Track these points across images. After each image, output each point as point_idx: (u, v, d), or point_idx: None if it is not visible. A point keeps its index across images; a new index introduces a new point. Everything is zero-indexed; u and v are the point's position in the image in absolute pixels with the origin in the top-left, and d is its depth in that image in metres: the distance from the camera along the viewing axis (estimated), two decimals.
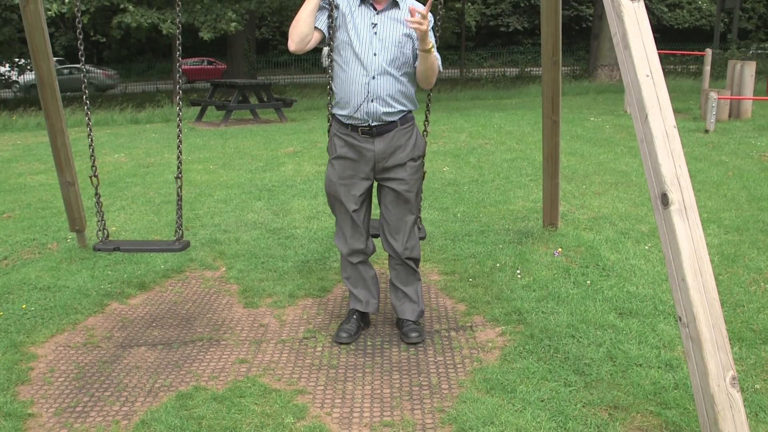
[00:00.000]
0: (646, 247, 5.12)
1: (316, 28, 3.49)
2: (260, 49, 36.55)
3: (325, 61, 3.48)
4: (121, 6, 18.72)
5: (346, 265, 3.88)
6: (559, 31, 4.55)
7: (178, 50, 3.77)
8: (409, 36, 3.51)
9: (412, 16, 3.23)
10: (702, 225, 5.54)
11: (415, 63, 3.53)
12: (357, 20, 3.49)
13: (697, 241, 2.53)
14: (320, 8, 3.53)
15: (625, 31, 2.73)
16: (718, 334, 2.44)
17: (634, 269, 4.67)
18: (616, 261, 4.82)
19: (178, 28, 3.75)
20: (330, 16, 3.52)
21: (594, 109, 14.58)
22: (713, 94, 10.80)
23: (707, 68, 14.09)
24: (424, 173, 3.85)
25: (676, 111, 13.97)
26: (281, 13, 24.57)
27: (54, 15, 17.50)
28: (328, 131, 3.77)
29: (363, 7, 3.52)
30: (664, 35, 44.52)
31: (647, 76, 2.69)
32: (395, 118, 3.57)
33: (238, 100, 14.84)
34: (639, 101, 2.68)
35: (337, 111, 3.64)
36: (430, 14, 3.31)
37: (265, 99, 15.36)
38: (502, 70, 33.09)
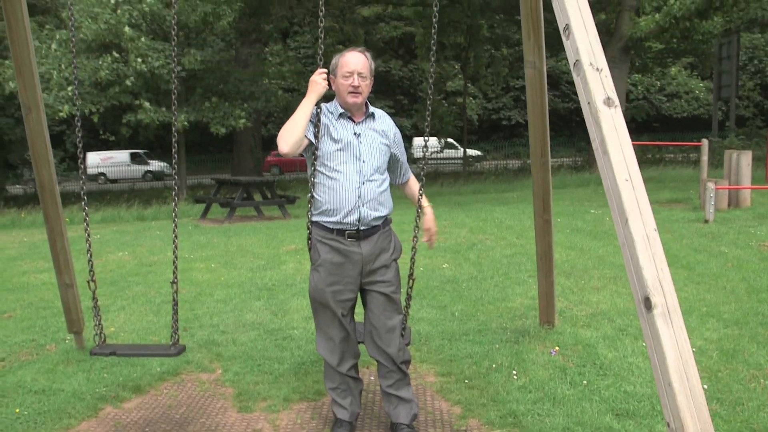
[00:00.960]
0: (644, 344, 5.08)
1: (305, 137, 3.63)
2: (266, 145, 37.24)
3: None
4: (137, 102, 19.20)
5: (334, 375, 3.83)
6: (546, 133, 4.66)
7: (174, 146, 3.88)
8: (387, 145, 3.79)
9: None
10: (701, 319, 5.55)
11: (392, 177, 3.93)
12: (340, 131, 3.69)
13: (682, 345, 2.53)
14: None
15: (603, 137, 2.81)
16: None
17: (631, 367, 4.63)
18: (613, 359, 4.79)
19: (174, 126, 3.87)
20: (316, 126, 3.66)
21: (594, 201, 14.69)
22: (711, 185, 10.91)
23: (705, 158, 14.26)
24: None
25: (675, 201, 14.12)
26: (287, 112, 25.14)
27: (65, 116, 17.96)
28: (309, 238, 3.80)
29: (342, 120, 3.72)
30: (664, 125, 45.27)
31: (626, 180, 2.75)
32: (380, 222, 3.72)
33: (242, 197, 15.03)
34: (619, 205, 2.73)
35: (322, 218, 3.70)
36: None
37: (269, 196, 15.56)
38: (505, 162, 33.52)
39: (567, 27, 3.01)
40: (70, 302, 5.35)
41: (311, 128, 3.66)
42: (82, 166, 3.95)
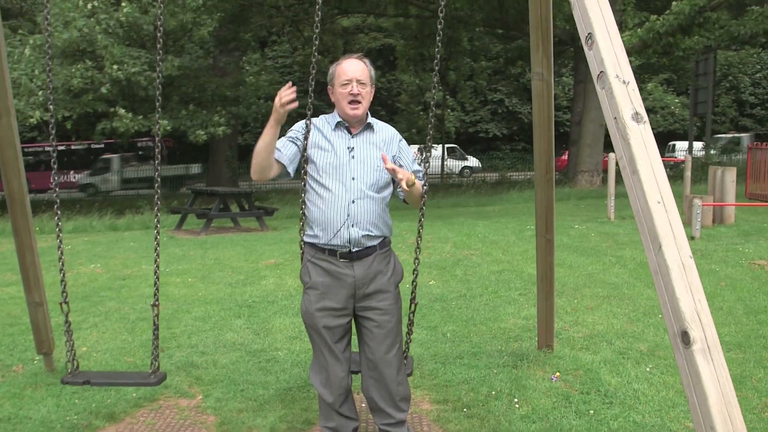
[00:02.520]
0: (648, 369, 4.87)
1: (278, 161, 3.37)
2: (243, 155, 36.82)
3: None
4: (112, 110, 18.80)
5: (330, 413, 3.51)
6: (552, 148, 4.44)
7: (158, 159, 3.60)
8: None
9: (385, 162, 3.23)
10: None
11: (395, 189, 3.51)
12: (334, 144, 3.44)
13: (724, 384, 2.30)
14: (289, 141, 3.46)
15: (632, 155, 2.58)
16: None
17: (637, 395, 4.40)
18: (617, 386, 4.55)
19: (158, 135, 3.60)
20: (304, 140, 3.43)
21: (577, 216, 14.54)
22: (698, 201, 10.77)
23: (688, 174, 14.18)
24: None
25: None
26: (266, 121, 24.87)
27: (37, 122, 17.53)
28: (301, 257, 3.53)
29: (338, 131, 3.48)
30: None
31: (658, 202, 2.52)
32: (375, 242, 3.44)
33: (218, 208, 14.68)
34: (651, 230, 2.49)
35: (311, 239, 3.45)
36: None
37: (246, 207, 15.22)
38: (483, 176, 33.45)
39: (590, 36, 2.79)
40: (40, 322, 5.02)
41: (290, 153, 3.44)
42: (54, 178, 3.64)
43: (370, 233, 3.39)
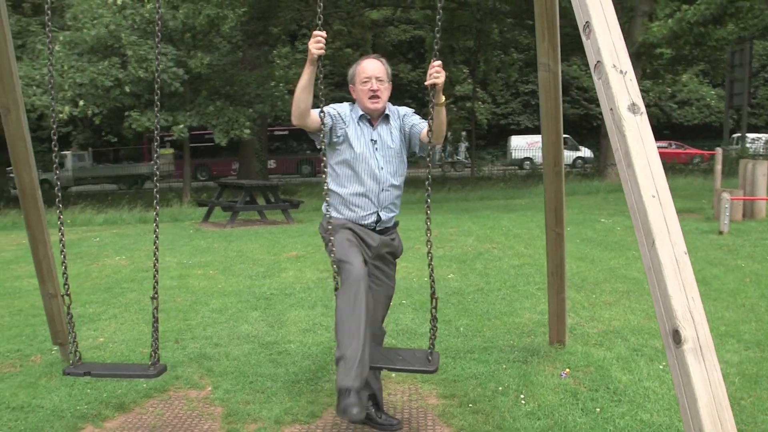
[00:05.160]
0: (661, 367, 4.77)
1: (320, 117, 3.56)
2: (275, 146, 36.89)
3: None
4: (126, 114, 18.99)
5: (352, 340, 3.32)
6: (560, 140, 4.37)
7: (156, 152, 3.61)
8: (402, 141, 3.89)
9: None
10: (720, 339, 5.24)
11: (414, 144, 3.89)
12: (360, 136, 3.80)
13: (715, 386, 2.24)
14: (331, 112, 3.75)
15: (628, 148, 2.52)
16: None
17: (648, 393, 4.31)
18: (628, 383, 4.47)
19: (157, 130, 3.61)
20: (335, 121, 3.75)
21: (605, 209, 14.37)
22: (726, 195, 10.58)
23: (718, 167, 13.91)
24: None
25: (688, 211, 13.79)
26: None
27: (66, 118, 17.74)
28: (322, 232, 3.72)
29: (362, 123, 3.83)
30: (674, 132, 44.86)
31: (653, 196, 2.45)
32: (392, 223, 3.94)
33: (244, 200, 14.75)
34: (645, 225, 2.43)
35: (338, 217, 3.81)
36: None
37: (273, 200, 15.28)
38: (513, 168, 33.22)
39: (587, 25, 2.72)
40: (54, 312, 5.08)
41: (329, 119, 3.70)
42: (57, 170, 3.66)
43: (392, 214, 3.89)
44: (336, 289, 3.47)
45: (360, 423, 3.92)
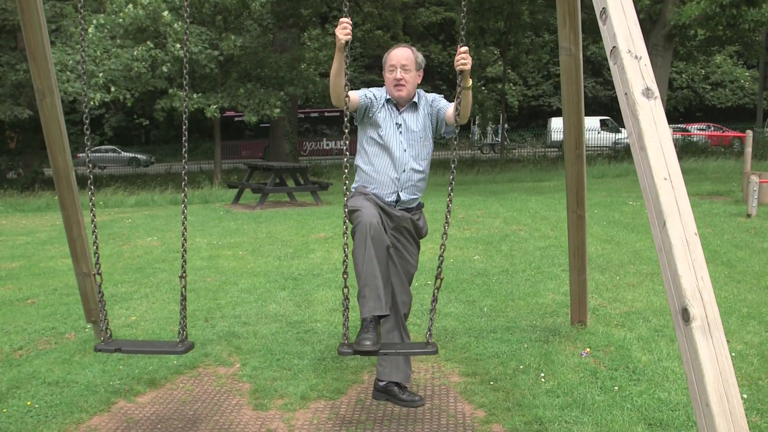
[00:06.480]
0: None
1: (358, 97, 3.83)
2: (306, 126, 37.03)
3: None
4: (170, 90, 19.15)
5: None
6: (582, 123, 4.41)
7: (185, 135, 3.69)
8: (428, 126, 4.02)
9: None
10: (742, 321, 5.26)
11: (440, 127, 4.04)
12: (386, 119, 3.95)
13: (722, 363, 2.30)
14: (367, 93, 3.94)
15: (641, 131, 2.57)
16: None
17: (666, 372, 4.37)
18: (647, 363, 4.53)
19: (185, 113, 3.70)
20: (369, 104, 3.92)
21: (633, 191, 14.30)
22: (754, 178, 10.50)
23: (749, 150, 13.77)
24: None
25: (717, 194, 13.69)
26: (325, 101, 25.07)
27: (97, 103, 17.96)
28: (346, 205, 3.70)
29: (388, 106, 3.98)
30: (707, 114, 44.27)
31: (665, 179, 2.51)
32: (414, 204, 4.04)
33: (274, 183, 14.90)
34: (656, 207, 2.49)
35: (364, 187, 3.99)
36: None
37: (302, 182, 15.42)
38: (543, 150, 32.99)
39: (604, 11, 2.78)
40: (88, 291, 5.24)
41: (365, 100, 3.89)
42: (89, 153, 3.78)
43: (414, 196, 3.99)
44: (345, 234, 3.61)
45: (384, 394, 4.08)
